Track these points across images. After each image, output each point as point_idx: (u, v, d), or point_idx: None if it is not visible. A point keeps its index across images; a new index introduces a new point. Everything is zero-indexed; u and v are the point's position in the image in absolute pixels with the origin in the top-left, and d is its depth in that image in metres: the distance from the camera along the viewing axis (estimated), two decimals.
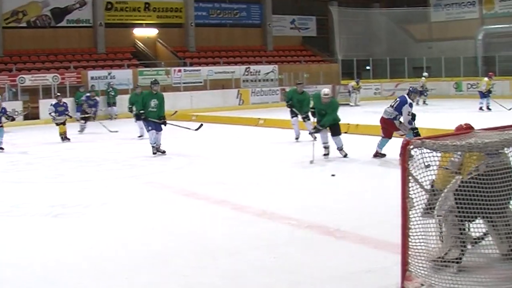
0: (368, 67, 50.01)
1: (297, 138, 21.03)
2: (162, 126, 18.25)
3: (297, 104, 20.77)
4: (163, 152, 18.13)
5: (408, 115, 15.37)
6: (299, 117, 20.83)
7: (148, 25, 45.94)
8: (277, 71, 45.32)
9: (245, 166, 16.25)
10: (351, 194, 10.54)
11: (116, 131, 25.16)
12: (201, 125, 19.95)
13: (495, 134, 7.05)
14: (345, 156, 16.43)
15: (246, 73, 44.08)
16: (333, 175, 10.56)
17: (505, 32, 47.43)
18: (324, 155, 16.66)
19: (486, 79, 32.83)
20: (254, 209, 10.88)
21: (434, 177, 6.87)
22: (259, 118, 27.99)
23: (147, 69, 40.54)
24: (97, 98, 30.00)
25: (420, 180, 6.62)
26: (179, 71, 41.07)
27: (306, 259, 7.87)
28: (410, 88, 16.69)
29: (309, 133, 17.48)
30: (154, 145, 18.10)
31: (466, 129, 7.48)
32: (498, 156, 6.92)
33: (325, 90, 16.86)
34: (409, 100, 15.61)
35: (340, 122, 17.17)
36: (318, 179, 13.70)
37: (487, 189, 6.54)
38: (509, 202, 6.76)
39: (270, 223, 9.90)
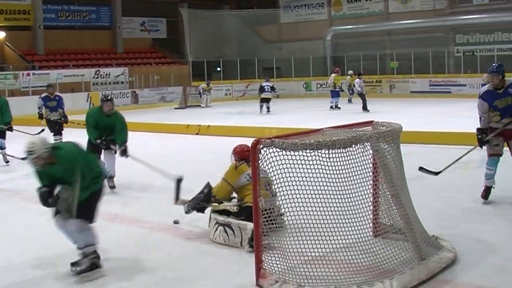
0: (218, 69, 50.35)
1: (113, 187, 13.01)
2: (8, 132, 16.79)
3: (104, 132, 12.90)
4: (7, 162, 16.94)
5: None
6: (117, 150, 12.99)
7: None
8: (127, 73, 44.95)
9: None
10: None
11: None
12: (42, 130, 18.05)
13: (343, 132, 7.27)
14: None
15: (96, 76, 43.48)
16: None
17: (353, 32, 48.90)
18: None
19: (333, 74, 33.64)
20: (106, 213, 10.78)
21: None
22: None
23: None
24: None
25: (276, 181, 6.74)
26: (28, 74, 40.03)
27: (160, 261, 7.86)
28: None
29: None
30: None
31: (244, 151, 9.15)
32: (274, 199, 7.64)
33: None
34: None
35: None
36: (169, 182, 13.67)
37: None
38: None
39: (123, 227, 9.83)
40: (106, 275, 7.46)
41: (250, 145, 6.75)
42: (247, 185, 8.74)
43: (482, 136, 10.44)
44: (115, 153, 12.90)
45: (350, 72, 38.20)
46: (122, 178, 14.51)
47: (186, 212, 9.32)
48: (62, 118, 18.88)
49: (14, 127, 17.28)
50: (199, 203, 9.17)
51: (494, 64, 10.82)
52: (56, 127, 18.74)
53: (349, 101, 37.13)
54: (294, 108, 35.44)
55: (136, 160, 12.70)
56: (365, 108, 29.84)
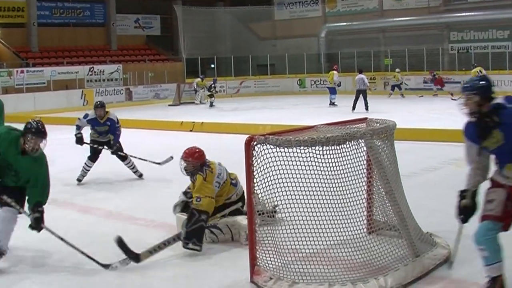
0: (212, 65, 50.28)
1: None
2: None
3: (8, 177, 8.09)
4: None
5: None
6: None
7: None
8: (121, 70, 44.92)
9: (92, 167, 15.93)
10: None
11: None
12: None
13: (337, 129, 7.27)
14: None
15: (90, 73, 43.42)
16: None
17: (347, 29, 48.88)
18: None
19: (335, 72, 33.53)
20: (101, 210, 10.79)
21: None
22: None
23: None
24: None
25: (264, 177, 6.74)
26: (22, 72, 39.90)
27: (154, 259, 7.83)
28: None
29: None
30: None
31: (201, 154, 8.64)
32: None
33: None
34: None
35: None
36: (164, 179, 13.66)
37: None
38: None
39: (117, 224, 9.81)
40: (99, 273, 7.45)
41: (244, 142, 6.74)
42: (218, 192, 8.39)
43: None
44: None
45: (398, 69, 39.20)
46: (117, 175, 14.52)
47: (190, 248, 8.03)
48: (108, 147, 14.10)
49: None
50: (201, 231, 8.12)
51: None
52: (95, 152, 14.11)
53: (402, 96, 39.26)
54: (288, 105, 35.47)
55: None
56: (355, 106, 29.06)
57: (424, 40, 43.83)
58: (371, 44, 46.73)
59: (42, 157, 7.96)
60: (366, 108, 28.54)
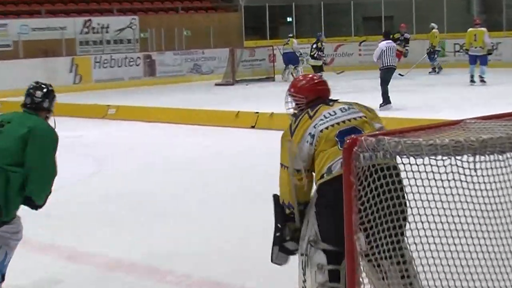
0: (289, 19, 50.29)
1: None
2: None
3: None
4: None
5: None
6: None
7: None
8: (137, 25, 44.93)
9: (83, 189, 16.05)
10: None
11: None
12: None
13: (499, 125, 7.27)
14: None
15: (86, 29, 43.55)
16: None
17: None
18: None
19: (484, 29, 33.62)
20: (103, 258, 10.95)
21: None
22: (108, 106, 27.86)
23: None
24: None
25: (376, 205, 6.80)
26: None
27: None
28: None
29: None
30: None
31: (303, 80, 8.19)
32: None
33: None
34: None
35: None
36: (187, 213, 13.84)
37: None
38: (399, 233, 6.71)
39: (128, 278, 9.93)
40: None
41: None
42: (318, 158, 7.37)
43: None
44: None
45: (433, 25, 38.89)
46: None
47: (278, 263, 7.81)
48: None
49: None
50: (275, 234, 7.70)
51: None
52: None
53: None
54: (415, 84, 35.37)
55: None
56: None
57: None
58: None
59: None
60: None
